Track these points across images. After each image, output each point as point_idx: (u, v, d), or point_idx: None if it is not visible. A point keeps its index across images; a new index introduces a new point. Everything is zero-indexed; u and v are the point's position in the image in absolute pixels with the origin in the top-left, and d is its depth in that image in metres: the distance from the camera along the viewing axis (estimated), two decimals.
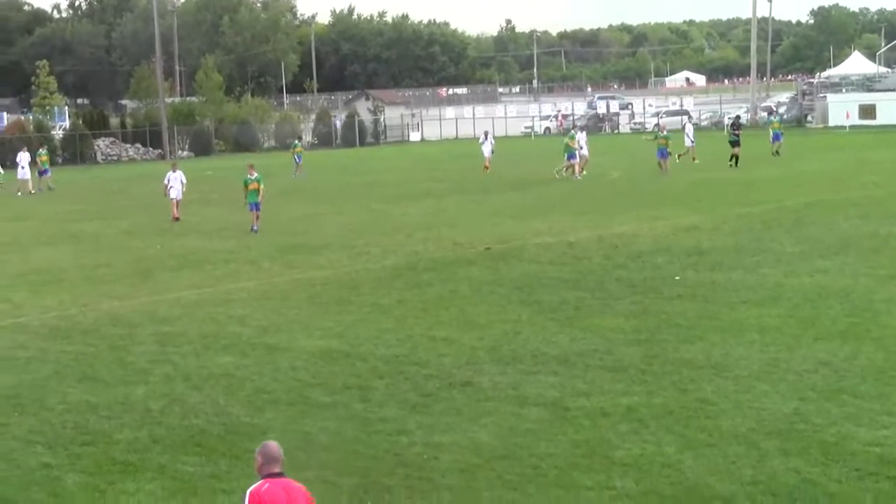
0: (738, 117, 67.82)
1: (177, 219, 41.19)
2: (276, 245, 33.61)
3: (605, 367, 17.40)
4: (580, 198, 44.26)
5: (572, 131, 58.82)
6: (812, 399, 15.26)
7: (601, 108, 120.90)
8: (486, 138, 63.61)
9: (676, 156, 57.99)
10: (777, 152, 61.31)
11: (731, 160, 55.04)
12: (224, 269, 29.49)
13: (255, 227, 36.75)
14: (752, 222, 34.05)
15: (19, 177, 59.84)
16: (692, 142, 60.61)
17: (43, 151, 65.54)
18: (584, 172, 53.47)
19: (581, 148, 54.79)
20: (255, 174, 37.83)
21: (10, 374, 18.55)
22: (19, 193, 58.35)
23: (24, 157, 60.65)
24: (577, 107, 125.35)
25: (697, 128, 75.65)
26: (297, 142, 72.74)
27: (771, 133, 64.15)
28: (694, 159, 58.90)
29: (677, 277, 24.96)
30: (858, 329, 19.17)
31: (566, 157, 54.05)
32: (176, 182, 42.24)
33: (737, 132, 56.92)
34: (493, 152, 62.22)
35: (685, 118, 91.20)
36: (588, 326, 20.29)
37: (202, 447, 14.38)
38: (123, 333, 21.43)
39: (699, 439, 13.88)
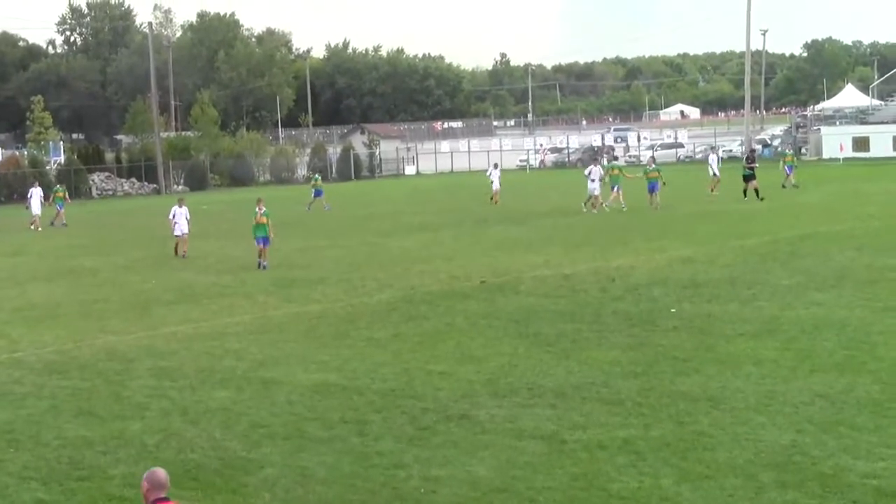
0: (752, 150, 66.82)
1: (184, 255, 40.38)
2: (272, 279, 33.61)
3: (602, 399, 17.39)
4: (576, 230, 44.32)
5: (614, 162, 57.13)
6: (809, 431, 15.25)
7: (597, 141, 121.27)
8: (496, 170, 63.58)
9: (710, 189, 58.12)
10: (795, 185, 61.48)
11: (745, 194, 54.54)
12: (220, 303, 29.47)
13: (264, 264, 35.93)
14: (748, 255, 34.09)
15: (34, 212, 59.33)
16: (716, 173, 59.94)
17: (60, 187, 65.70)
18: (601, 207, 52.74)
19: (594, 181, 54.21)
20: (264, 208, 36.87)
21: (6, 409, 18.51)
22: (32, 227, 57.82)
23: (35, 193, 60.44)
24: (573, 140, 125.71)
25: (699, 160, 75.75)
26: (317, 175, 72.87)
27: (784, 166, 64.32)
28: (712, 190, 58.40)
29: (673, 310, 24.98)
30: (855, 361, 19.17)
31: (613, 187, 53.39)
32: (181, 218, 41.00)
33: (752, 165, 56.34)
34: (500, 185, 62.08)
35: (709, 150, 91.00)
36: (585, 359, 20.28)
37: (199, 482, 14.34)
38: (120, 368, 21.39)
39: (696, 472, 13.86)
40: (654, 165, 55.66)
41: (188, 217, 41.42)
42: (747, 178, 55.27)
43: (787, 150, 76.23)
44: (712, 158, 64.08)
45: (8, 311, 29.74)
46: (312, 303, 28.70)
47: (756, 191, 54.27)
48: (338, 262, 37.06)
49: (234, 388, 19.28)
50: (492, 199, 60.81)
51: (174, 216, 41.24)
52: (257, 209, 36.99)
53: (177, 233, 41.07)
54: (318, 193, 65.99)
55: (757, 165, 57.43)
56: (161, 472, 9.06)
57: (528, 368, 19.74)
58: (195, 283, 33.55)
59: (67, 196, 64.72)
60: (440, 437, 15.82)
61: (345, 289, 30.93)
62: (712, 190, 58.46)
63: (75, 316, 28.32)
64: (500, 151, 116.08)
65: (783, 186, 61.06)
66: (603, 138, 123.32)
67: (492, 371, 19.64)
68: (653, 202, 52.83)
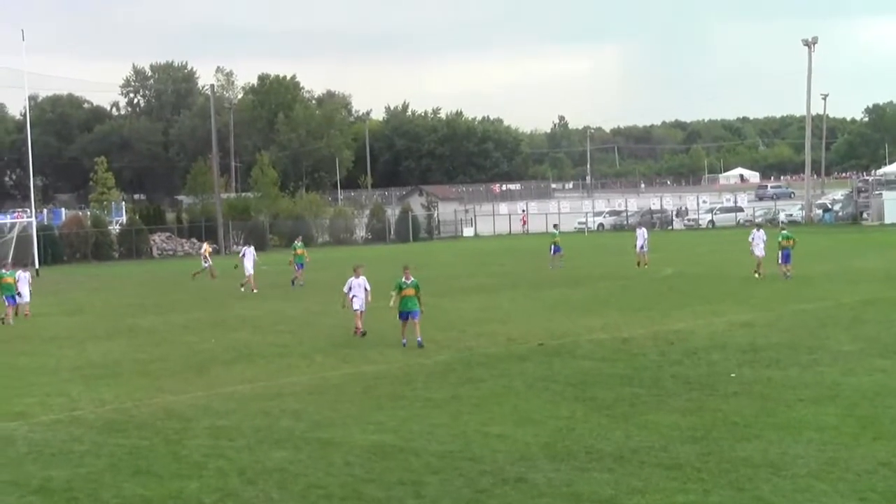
0: None
1: (362, 333, 34.16)
2: (329, 339, 33.68)
3: (661, 464, 17.22)
4: (634, 294, 44.15)
5: (786, 231, 51.28)
6: (872, 500, 15.02)
7: (655, 204, 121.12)
8: (641, 228, 60.54)
9: None
10: None
11: None
12: (278, 363, 29.55)
13: (418, 340, 31.79)
14: (808, 319, 33.79)
15: (247, 272, 54.36)
16: None
17: (299, 244, 59.61)
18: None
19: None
20: (412, 279, 32.55)
21: (66, 467, 18.60)
22: (242, 289, 53.38)
23: (249, 252, 55.90)
24: (631, 203, 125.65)
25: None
26: (555, 231, 68.18)
27: None
28: None
29: (733, 374, 24.78)
30: None
31: (781, 255, 47.90)
32: (360, 290, 34.31)
33: None
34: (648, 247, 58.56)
35: None
36: (643, 423, 20.13)
37: None
38: (178, 427, 21.46)
39: None
40: (786, 231, 50.91)
41: (367, 288, 34.59)
42: None
43: None
44: None
45: (68, 369, 29.96)
46: (369, 363, 28.71)
47: None
48: (395, 323, 36.99)
49: (291, 448, 19.28)
50: (639, 263, 57.75)
51: (350, 288, 34.54)
52: (405, 279, 32.56)
53: (356, 307, 34.55)
54: (556, 249, 62.63)
55: None
56: None
57: (586, 432, 19.61)
58: (253, 343, 33.67)
59: (293, 256, 57.93)
60: (497, 499, 15.72)
61: (402, 350, 30.93)
62: None
63: (134, 375, 28.49)
64: (558, 214, 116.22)
65: None
66: (661, 202, 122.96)
67: (549, 434, 19.53)
68: (786, 272, 47.79)
